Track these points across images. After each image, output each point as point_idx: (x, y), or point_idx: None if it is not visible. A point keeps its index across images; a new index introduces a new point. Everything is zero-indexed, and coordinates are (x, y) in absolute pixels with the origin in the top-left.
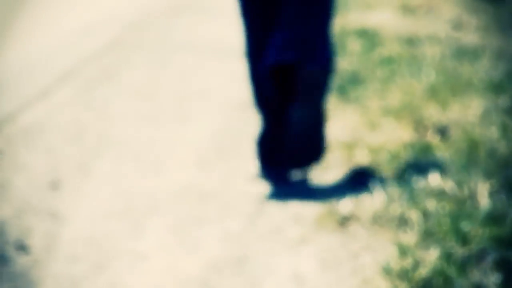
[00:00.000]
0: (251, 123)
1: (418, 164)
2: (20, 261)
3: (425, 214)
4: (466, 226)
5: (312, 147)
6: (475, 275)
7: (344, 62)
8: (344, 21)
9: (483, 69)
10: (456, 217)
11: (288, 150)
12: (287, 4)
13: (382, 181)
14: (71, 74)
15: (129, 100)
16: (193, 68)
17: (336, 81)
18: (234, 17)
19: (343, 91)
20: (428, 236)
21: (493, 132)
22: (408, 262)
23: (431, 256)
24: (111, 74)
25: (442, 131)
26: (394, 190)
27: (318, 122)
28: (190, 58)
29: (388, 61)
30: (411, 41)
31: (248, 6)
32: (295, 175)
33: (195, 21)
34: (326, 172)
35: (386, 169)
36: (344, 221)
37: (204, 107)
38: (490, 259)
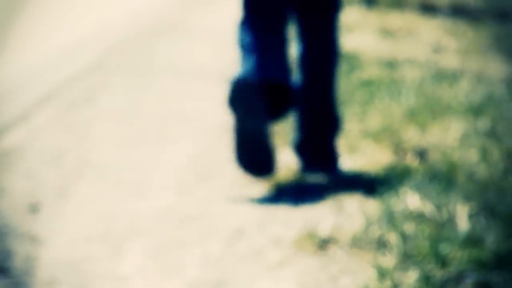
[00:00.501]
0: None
1: (397, 187)
2: (0, 284)
3: (404, 237)
4: (445, 248)
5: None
6: None
7: None
8: None
9: (462, 92)
10: (435, 240)
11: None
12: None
13: (361, 203)
14: (51, 96)
15: (110, 123)
16: (174, 91)
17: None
18: (216, 40)
19: None
20: (407, 259)
21: (472, 155)
22: (387, 285)
23: (410, 279)
24: (92, 96)
25: (421, 154)
26: (373, 212)
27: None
28: (172, 81)
29: (367, 84)
30: (390, 64)
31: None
32: None
33: (178, 43)
34: (305, 194)
35: (365, 192)
36: (323, 244)
37: (185, 131)
38: (469, 281)
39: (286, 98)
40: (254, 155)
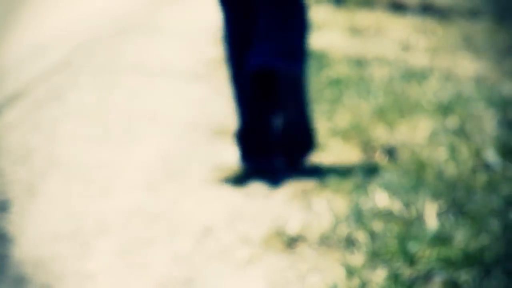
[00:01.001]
0: (200, 144)
1: (366, 184)
2: None
3: (373, 235)
4: (413, 247)
5: (302, 135)
6: None
7: None
8: None
9: (431, 90)
10: (403, 238)
11: (277, 139)
12: (266, 16)
13: (330, 201)
14: (19, 95)
15: (78, 121)
16: (142, 89)
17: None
18: (184, 39)
19: None
20: (375, 257)
21: (441, 153)
22: (355, 283)
23: (379, 277)
24: (59, 95)
25: (390, 152)
26: (342, 210)
27: (304, 116)
28: (139, 79)
29: (336, 82)
30: (359, 62)
31: (229, 10)
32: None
33: (145, 42)
34: (273, 193)
35: (334, 190)
36: (291, 242)
37: (153, 129)
38: (437, 280)
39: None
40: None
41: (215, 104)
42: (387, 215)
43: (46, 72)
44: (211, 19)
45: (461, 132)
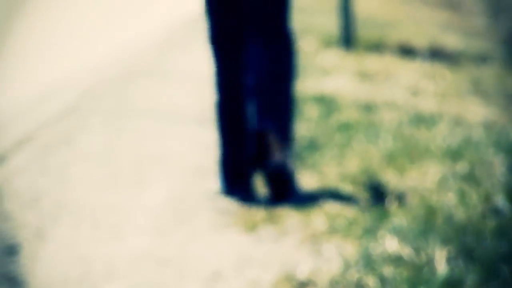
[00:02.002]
0: (209, 188)
1: (375, 230)
2: None
3: (382, 280)
4: None
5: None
6: None
7: (302, 128)
8: (302, 87)
9: (440, 135)
10: (413, 283)
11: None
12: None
13: (339, 246)
14: (27, 139)
15: (87, 165)
16: (150, 133)
17: (293, 147)
18: (192, 84)
19: (300, 157)
20: None
21: (450, 198)
22: None
23: None
24: (67, 139)
25: (400, 197)
26: (352, 255)
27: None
28: (149, 123)
29: (345, 127)
30: (368, 107)
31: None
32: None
33: (153, 86)
34: (284, 237)
35: (344, 235)
36: (301, 286)
37: (161, 173)
38: None
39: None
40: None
41: None
42: (397, 260)
43: (54, 116)
44: None
45: (470, 177)
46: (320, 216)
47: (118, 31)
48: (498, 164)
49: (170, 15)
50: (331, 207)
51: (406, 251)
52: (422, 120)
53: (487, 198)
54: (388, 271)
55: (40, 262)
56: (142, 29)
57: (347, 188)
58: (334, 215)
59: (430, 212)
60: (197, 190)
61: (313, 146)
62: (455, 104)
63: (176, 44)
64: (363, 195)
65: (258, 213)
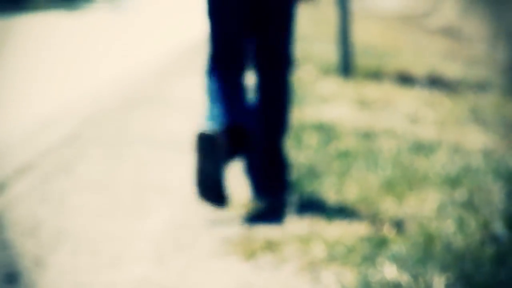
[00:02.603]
0: (208, 215)
1: (374, 257)
2: None
3: None
4: None
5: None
6: None
7: (301, 156)
8: (301, 115)
9: (439, 163)
10: None
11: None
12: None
13: (338, 274)
14: (27, 168)
15: (86, 193)
16: (150, 161)
17: (292, 175)
18: (190, 111)
19: (299, 185)
20: None
21: (449, 226)
22: None
23: None
24: (67, 167)
25: (398, 225)
26: (350, 283)
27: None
28: (148, 151)
29: (344, 154)
30: (367, 135)
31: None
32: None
33: (153, 114)
34: (283, 264)
35: (343, 262)
36: None
37: (160, 200)
38: None
39: (244, 140)
40: (211, 191)
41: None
42: (395, 287)
43: (54, 144)
44: None
45: (469, 205)
46: (318, 244)
47: (117, 60)
48: (497, 191)
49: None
50: (330, 234)
51: (404, 278)
52: (421, 148)
53: (485, 225)
54: None
55: None
56: (141, 58)
57: (345, 215)
58: (333, 243)
59: (428, 239)
60: (196, 218)
61: (311, 174)
62: (454, 131)
63: (175, 72)
64: (361, 222)
65: (257, 240)
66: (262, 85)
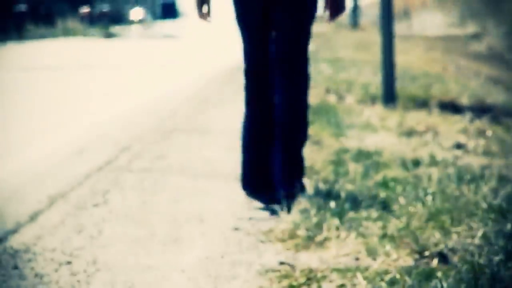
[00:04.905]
0: (246, 247)
1: None
2: None
3: None
4: None
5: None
6: None
7: (344, 185)
8: (345, 143)
9: (485, 194)
10: None
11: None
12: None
13: None
14: (61, 196)
15: (121, 224)
16: (186, 190)
17: (335, 205)
18: (229, 141)
19: (341, 215)
20: None
21: (495, 258)
22: None
23: None
24: (102, 196)
25: (443, 257)
26: None
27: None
28: (184, 180)
29: (388, 184)
30: (412, 164)
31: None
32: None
33: (189, 142)
34: None
35: None
36: None
37: (198, 231)
38: None
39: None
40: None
41: (260, 206)
42: None
43: (89, 173)
44: None
45: None
46: (360, 278)
47: (153, 87)
48: None
49: (202, 71)
50: (373, 266)
51: None
52: (467, 177)
53: None
54: None
55: None
56: (176, 85)
57: (389, 247)
58: (376, 276)
59: (474, 272)
60: (234, 250)
61: (354, 203)
62: (499, 160)
63: (210, 100)
64: (406, 254)
65: (297, 273)
66: (282, 90)
